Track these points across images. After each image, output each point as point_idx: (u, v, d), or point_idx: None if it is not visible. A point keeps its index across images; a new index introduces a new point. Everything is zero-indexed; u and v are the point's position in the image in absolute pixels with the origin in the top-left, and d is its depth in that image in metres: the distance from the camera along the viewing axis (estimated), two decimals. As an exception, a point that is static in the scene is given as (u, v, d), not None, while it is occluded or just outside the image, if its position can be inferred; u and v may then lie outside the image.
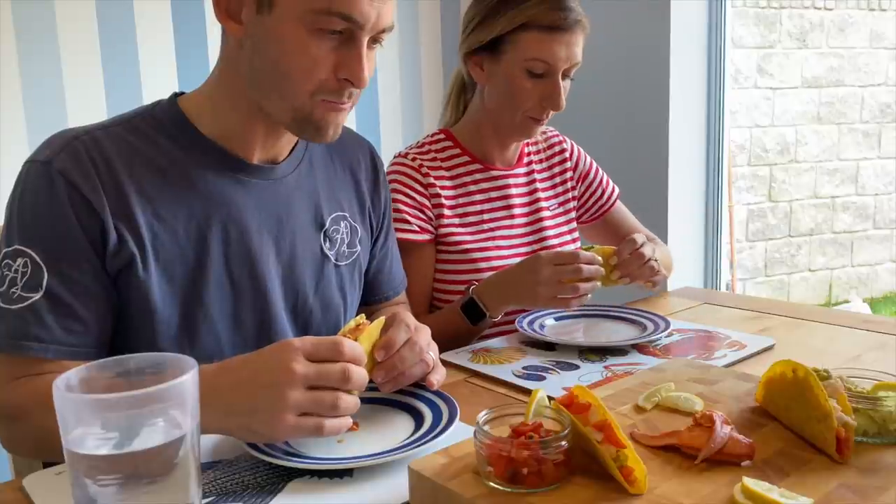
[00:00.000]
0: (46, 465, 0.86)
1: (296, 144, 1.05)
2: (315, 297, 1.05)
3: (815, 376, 0.71)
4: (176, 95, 0.99)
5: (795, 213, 4.58)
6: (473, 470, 0.67)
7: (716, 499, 0.61)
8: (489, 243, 1.41)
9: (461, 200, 1.42)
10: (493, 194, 1.45)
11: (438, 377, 0.92)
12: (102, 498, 0.55)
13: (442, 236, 1.39)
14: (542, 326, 1.29)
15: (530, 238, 1.47)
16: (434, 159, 1.42)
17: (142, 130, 0.94)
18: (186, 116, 0.96)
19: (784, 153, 4.51)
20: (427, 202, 1.38)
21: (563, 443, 0.64)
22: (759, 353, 1.14)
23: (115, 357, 0.61)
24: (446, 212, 1.39)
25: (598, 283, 1.21)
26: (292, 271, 1.03)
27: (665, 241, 2.28)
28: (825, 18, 4.50)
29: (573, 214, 1.56)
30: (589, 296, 1.20)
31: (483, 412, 0.70)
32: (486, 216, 1.43)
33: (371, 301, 1.19)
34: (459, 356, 1.16)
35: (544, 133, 1.57)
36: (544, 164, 1.54)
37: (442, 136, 1.46)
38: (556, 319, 1.34)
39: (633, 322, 1.31)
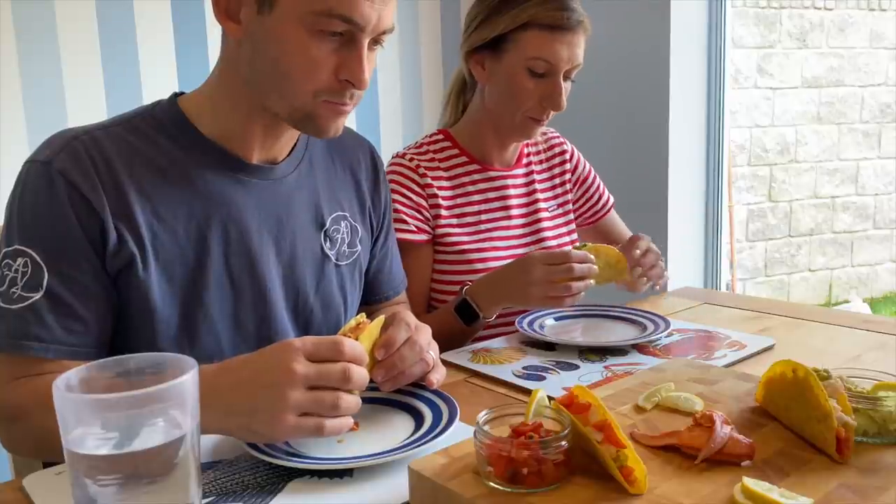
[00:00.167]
0: (46, 465, 0.86)
1: (295, 144, 1.05)
2: (315, 297, 1.05)
3: (815, 376, 0.71)
4: (176, 95, 0.99)
5: (795, 213, 4.58)
6: (473, 470, 0.67)
7: (716, 499, 0.61)
8: (486, 244, 1.41)
9: (459, 201, 1.41)
10: (491, 195, 1.45)
11: (438, 376, 0.92)
12: (102, 498, 0.55)
13: (439, 237, 1.39)
14: (542, 326, 1.29)
15: (528, 239, 1.47)
16: (432, 160, 1.42)
17: (142, 130, 0.94)
18: (186, 116, 0.96)
19: (784, 153, 4.52)
20: (424, 203, 1.38)
21: (563, 443, 0.64)
22: (759, 353, 1.14)
23: (115, 357, 0.61)
24: (443, 212, 1.39)
25: (592, 282, 1.20)
26: (293, 271, 1.03)
27: (665, 241, 2.29)
28: (825, 18, 4.50)
29: (572, 216, 1.56)
30: (582, 294, 1.20)
31: (483, 412, 0.70)
32: (483, 217, 1.43)
33: (371, 301, 1.19)
34: (459, 356, 1.16)
35: (545, 134, 1.57)
36: (544, 165, 1.54)
37: (440, 136, 1.46)
38: (556, 319, 1.34)
39: (633, 322, 1.31)
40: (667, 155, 2.27)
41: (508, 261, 1.35)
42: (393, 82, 2.59)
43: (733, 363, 1.10)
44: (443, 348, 1.19)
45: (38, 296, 0.86)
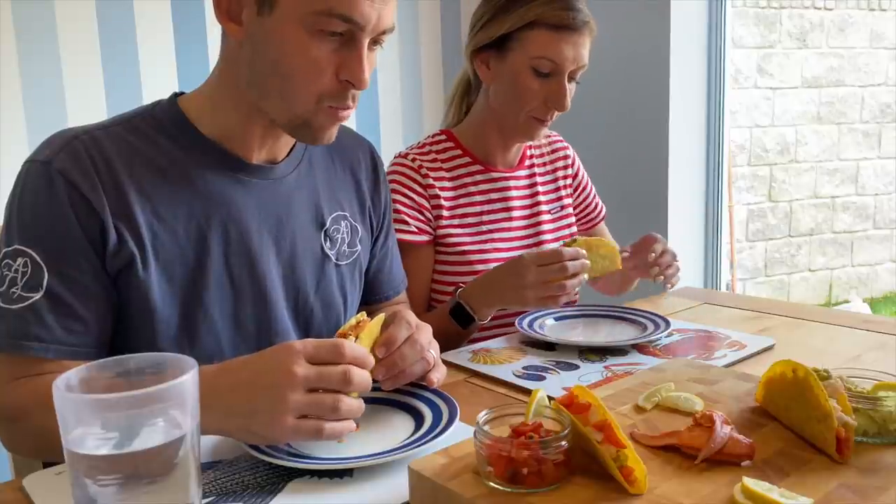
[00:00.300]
0: (46, 465, 0.86)
1: (295, 144, 1.05)
2: (316, 297, 1.05)
3: (815, 376, 0.71)
4: (176, 95, 0.99)
5: (795, 213, 4.58)
6: (473, 470, 0.67)
7: (716, 499, 0.61)
8: (488, 245, 1.41)
9: (461, 202, 1.41)
10: (493, 196, 1.45)
11: (439, 375, 0.92)
12: (102, 498, 0.55)
13: (440, 237, 1.39)
14: (542, 326, 1.29)
15: (529, 241, 1.47)
16: (434, 160, 1.41)
17: (142, 130, 0.94)
18: (186, 116, 0.96)
19: (784, 153, 4.52)
20: (426, 203, 1.37)
21: (563, 443, 0.64)
22: (759, 353, 1.14)
23: (115, 357, 0.61)
24: (445, 213, 1.39)
25: (585, 276, 1.21)
26: (293, 271, 1.03)
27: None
28: (825, 18, 4.50)
29: (573, 219, 1.56)
30: (577, 289, 1.21)
31: (483, 412, 0.70)
32: (485, 218, 1.43)
33: (371, 301, 1.19)
34: (459, 356, 1.16)
35: (548, 136, 1.57)
36: (547, 168, 1.54)
37: (443, 136, 1.46)
38: (556, 319, 1.34)
39: (633, 322, 1.31)
40: (667, 155, 2.27)
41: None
42: (393, 82, 2.59)
43: (733, 363, 1.09)
44: (441, 349, 1.19)
45: (38, 296, 0.86)
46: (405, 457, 0.76)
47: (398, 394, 0.92)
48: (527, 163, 1.51)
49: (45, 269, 0.86)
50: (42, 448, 0.88)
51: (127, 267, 0.89)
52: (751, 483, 0.60)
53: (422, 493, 0.68)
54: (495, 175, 1.45)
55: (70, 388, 0.57)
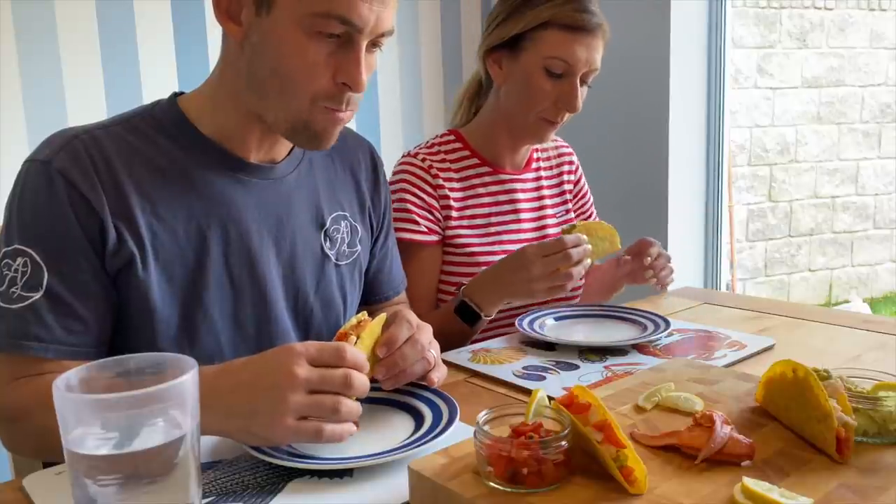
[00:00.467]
0: (46, 465, 0.86)
1: (295, 144, 1.06)
2: (315, 297, 1.05)
3: (815, 376, 0.70)
4: (175, 95, 0.99)
5: (795, 213, 4.58)
6: (473, 470, 0.67)
7: (716, 499, 0.61)
8: (496, 247, 1.41)
9: (469, 202, 1.41)
10: (501, 198, 1.45)
11: (439, 375, 0.92)
12: (102, 498, 0.55)
13: (449, 238, 1.39)
14: (542, 326, 1.29)
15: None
16: (443, 160, 1.41)
17: (141, 130, 0.94)
18: (186, 116, 0.96)
19: (784, 153, 4.52)
20: (436, 203, 1.37)
21: (563, 443, 0.64)
22: (759, 353, 1.14)
23: (115, 357, 0.61)
24: (454, 213, 1.39)
25: (589, 261, 1.21)
26: (293, 271, 1.03)
27: (665, 241, 2.29)
28: (825, 18, 4.50)
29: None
30: (583, 276, 1.22)
31: (483, 412, 0.70)
32: (493, 219, 1.43)
33: (371, 301, 1.19)
34: (459, 356, 1.16)
35: (555, 140, 1.57)
36: (553, 172, 1.55)
37: (452, 136, 1.46)
38: (556, 319, 1.34)
39: (633, 322, 1.30)
40: (667, 155, 2.27)
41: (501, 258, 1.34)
42: (393, 83, 2.59)
43: (733, 363, 1.09)
44: (444, 348, 1.19)
45: (37, 295, 0.86)
46: (405, 457, 0.76)
47: (398, 394, 0.92)
48: (533, 165, 1.51)
49: (44, 269, 0.86)
50: (42, 448, 0.88)
51: (126, 267, 0.89)
52: (751, 483, 0.60)
53: (422, 493, 0.68)
54: (503, 177, 1.45)
55: (70, 388, 0.57)
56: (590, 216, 1.63)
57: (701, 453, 0.67)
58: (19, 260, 0.86)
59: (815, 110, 4.56)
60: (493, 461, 0.64)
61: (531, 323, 1.28)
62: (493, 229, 1.42)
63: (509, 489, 0.64)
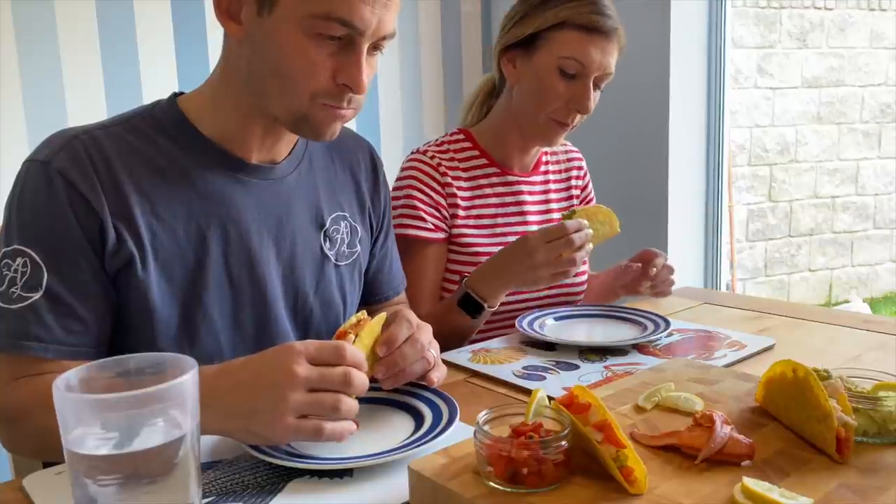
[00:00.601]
0: (46, 465, 0.86)
1: (295, 145, 1.05)
2: (315, 297, 1.05)
3: (815, 376, 0.70)
4: (175, 95, 0.99)
5: (795, 213, 4.59)
6: (473, 470, 0.67)
7: (716, 499, 0.61)
8: (501, 248, 1.41)
9: (476, 202, 1.41)
10: (508, 199, 1.45)
11: (439, 375, 0.92)
12: (102, 498, 0.55)
13: (455, 237, 1.39)
14: (542, 326, 1.29)
15: None
16: (452, 159, 1.41)
17: (141, 130, 0.94)
18: (186, 116, 0.96)
19: (784, 153, 4.52)
20: (443, 201, 1.38)
21: (563, 443, 0.64)
22: (759, 353, 1.14)
23: (115, 357, 0.61)
24: (461, 213, 1.39)
25: (591, 245, 1.22)
26: (292, 271, 1.03)
27: (665, 241, 2.29)
28: (825, 18, 4.50)
29: None
30: (586, 260, 1.22)
31: (483, 412, 0.70)
32: (499, 220, 1.43)
33: (371, 301, 1.19)
34: (459, 356, 1.16)
35: (564, 144, 1.57)
36: (562, 176, 1.55)
37: (461, 136, 1.46)
38: (556, 319, 1.34)
39: (633, 322, 1.31)
40: (667, 155, 2.27)
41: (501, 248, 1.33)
42: (393, 84, 2.59)
43: (733, 363, 1.09)
44: (447, 342, 1.19)
45: (37, 295, 0.85)
46: (405, 457, 0.76)
47: (398, 394, 0.92)
48: (542, 168, 1.51)
49: (44, 269, 0.86)
50: (42, 448, 0.88)
51: (126, 267, 0.89)
52: (751, 483, 0.60)
53: (422, 493, 0.68)
54: (511, 178, 1.45)
55: (70, 388, 0.56)
56: None
57: (701, 453, 0.67)
58: (19, 260, 0.86)
59: (815, 110, 4.56)
60: (493, 461, 0.64)
61: (531, 323, 1.28)
62: (498, 230, 1.42)
63: (509, 489, 0.64)
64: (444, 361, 0.99)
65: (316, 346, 0.77)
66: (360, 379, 0.77)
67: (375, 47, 0.92)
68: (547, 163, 1.53)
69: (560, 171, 1.55)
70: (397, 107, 2.62)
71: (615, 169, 2.32)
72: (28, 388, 0.85)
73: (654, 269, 1.39)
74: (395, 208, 1.36)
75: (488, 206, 1.42)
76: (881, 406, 0.71)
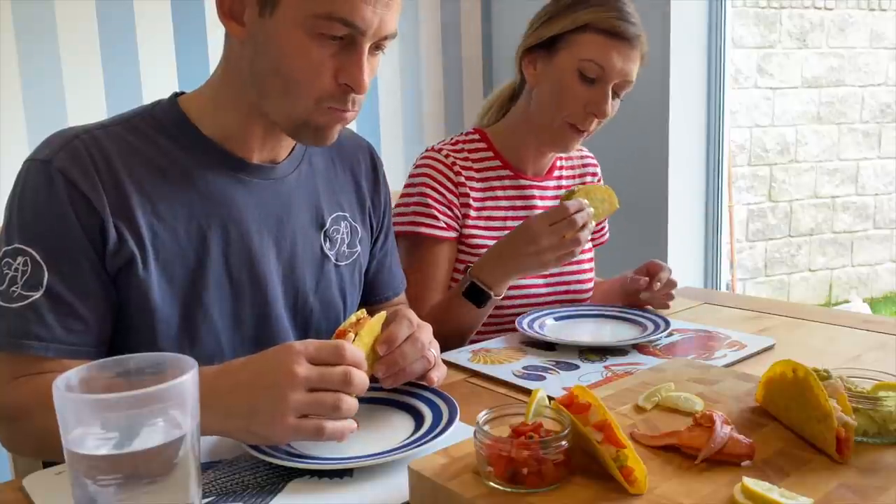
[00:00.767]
0: (46, 465, 0.86)
1: (296, 144, 1.05)
2: (315, 297, 1.05)
3: (815, 376, 0.71)
4: (176, 95, 0.99)
5: (795, 213, 4.59)
6: (473, 470, 0.67)
7: (716, 499, 0.61)
8: (505, 235, 1.41)
9: (487, 204, 1.41)
10: (518, 203, 1.44)
11: (439, 374, 0.92)
12: (102, 498, 0.55)
13: (464, 237, 1.39)
14: (542, 326, 1.29)
15: None
16: (466, 159, 1.41)
17: (141, 130, 0.94)
18: (187, 116, 0.96)
19: (784, 153, 4.52)
20: (456, 200, 1.37)
21: (563, 443, 0.64)
22: (759, 353, 1.14)
23: (115, 357, 0.61)
24: (472, 213, 1.39)
25: (593, 224, 1.22)
26: (292, 271, 1.03)
27: (665, 240, 2.29)
28: (825, 18, 4.51)
29: (593, 233, 1.55)
30: (589, 239, 1.23)
31: (483, 412, 0.70)
32: (509, 223, 1.42)
33: (371, 301, 1.19)
34: (459, 356, 1.16)
35: (580, 150, 1.57)
36: (576, 181, 1.54)
37: (476, 136, 1.45)
38: (556, 319, 1.34)
39: (633, 322, 1.31)
40: (667, 155, 2.27)
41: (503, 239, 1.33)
42: (393, 84, 2.59)
43: (733, 363, 1.09)
44: (449, 343, 1.19)
45: (37, 295, 0.86)
46: (405, 457, 0.76)
47: (398, 394, 0.92)
48: (555, 173, 1.51)
49: (44, 268, 0.86)
50: (42, 448, 0.88)
51: (127, 266, 0.89)
52: (751, 483, 0.60)
53: (422, 493, 0.68)
54: (523, 182, 1.45)
55: (70, 387, 0.56)
56: (601, 232, 1.62)
57: (701, 453, 0.67)
58: (19, 259, 0.86)
59: (815, 110, 4.56)
60: (493, 461, 0.64)
61: (531, 323, 1.28)
62: (507, 233, 1.42)
63: (509, 489, 0.64)
64: (444, 361, 0.99)
65: (316, 345, 0.77)
66: (361, 378, 0.77)
67: (377, 47, 0.92)
68: (561, 168, 1.52)
69: (574, 177, 1.55)
70: (397, 107, 2.62)
71: (615, 169, 2.32)
72: (28, 388, 0.85)
73: (658, 284, 1.37)
74: (407, 205, 1.36)
75: (499, 208, 1.42)
76: (881, 406, 0.71)
